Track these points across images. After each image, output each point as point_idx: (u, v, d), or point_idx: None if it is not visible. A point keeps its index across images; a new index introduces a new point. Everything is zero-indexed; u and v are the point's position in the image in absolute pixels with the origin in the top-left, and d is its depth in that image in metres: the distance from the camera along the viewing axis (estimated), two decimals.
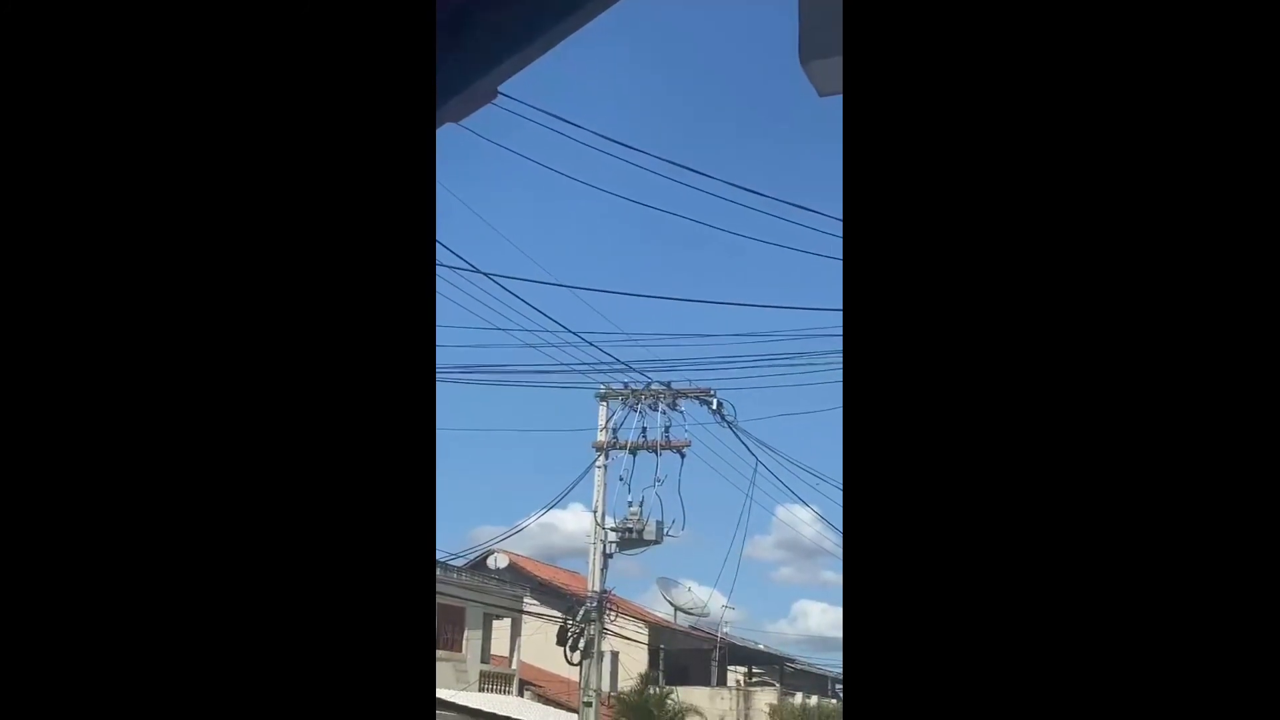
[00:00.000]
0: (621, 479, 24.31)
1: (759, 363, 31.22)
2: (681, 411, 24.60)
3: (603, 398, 25.41)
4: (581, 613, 25.23)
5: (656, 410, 24.47)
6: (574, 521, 29.73)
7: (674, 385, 24.55)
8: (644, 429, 24.37)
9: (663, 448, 24.02)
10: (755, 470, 25.56)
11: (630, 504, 24.40)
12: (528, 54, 1.98)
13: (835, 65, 1.72)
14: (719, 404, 24.29)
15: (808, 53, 1.78)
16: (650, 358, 24.63)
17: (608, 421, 25.28)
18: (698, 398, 24.51)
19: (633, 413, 24.66)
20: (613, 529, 24.67)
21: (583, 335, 23.51)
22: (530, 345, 22.58)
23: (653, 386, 24.55)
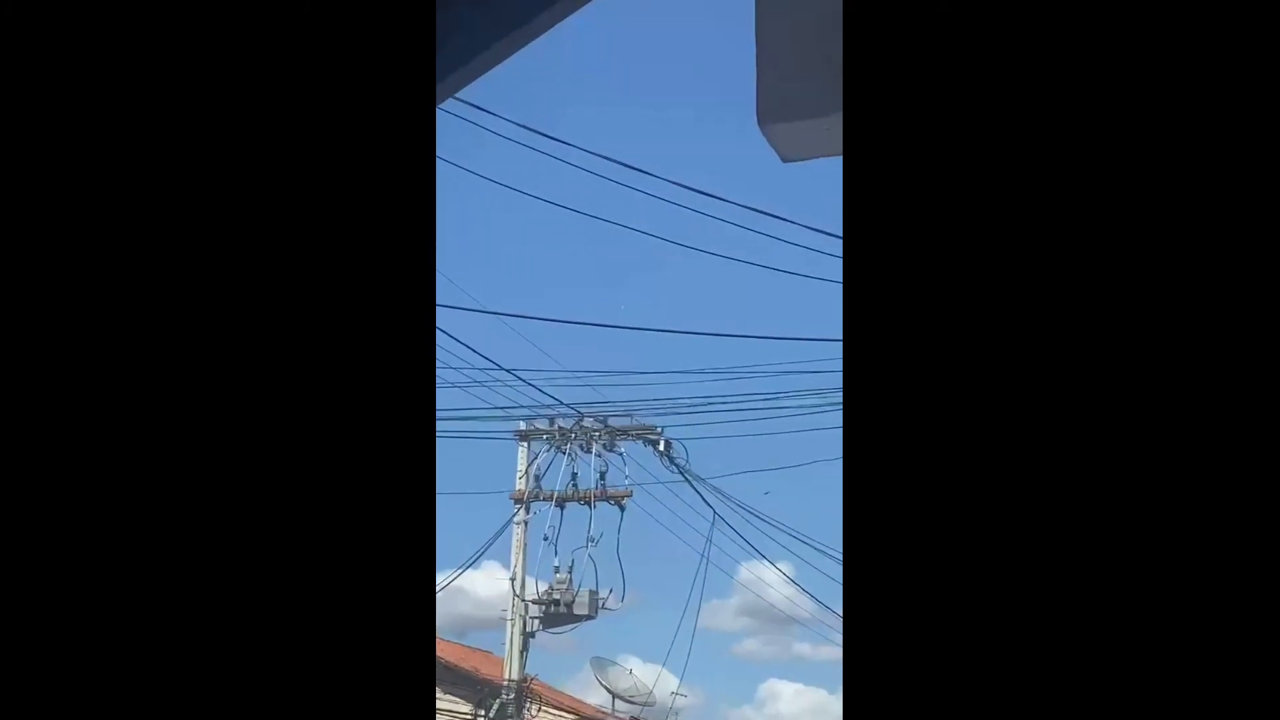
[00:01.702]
0: (546, 538, 21.19)
1: (719, 405, 25.93)
2: (621, 454, 21.32)
3: (523, 437, 21.92)
4: (496, 706, 22.05)
5: (590, 453, 21.05)
6: (488, 585, 25.73)
7: (611, 422, 21.35)
8: (574, 475, 21.03)
9: (598, 499, 20.84)
10: (713, 524, 21.00)
11: (557, 569, 21.17)
12: (515, 38, 2.02)
13: (799, 130, 1.82)
14: (667, 445, 20.66)
15: (767, 114, 1.83)
16: (598, 399, 21.65)
17: (529, 466, 21.83)
18: (641, 437, 21.26)
19: (560, 455, 21.14)
20: (535, 601, 21.32)
21: (516, 372, 19.87)
22: (453, 385, 17.61)
23: (585, 423, 21.01)
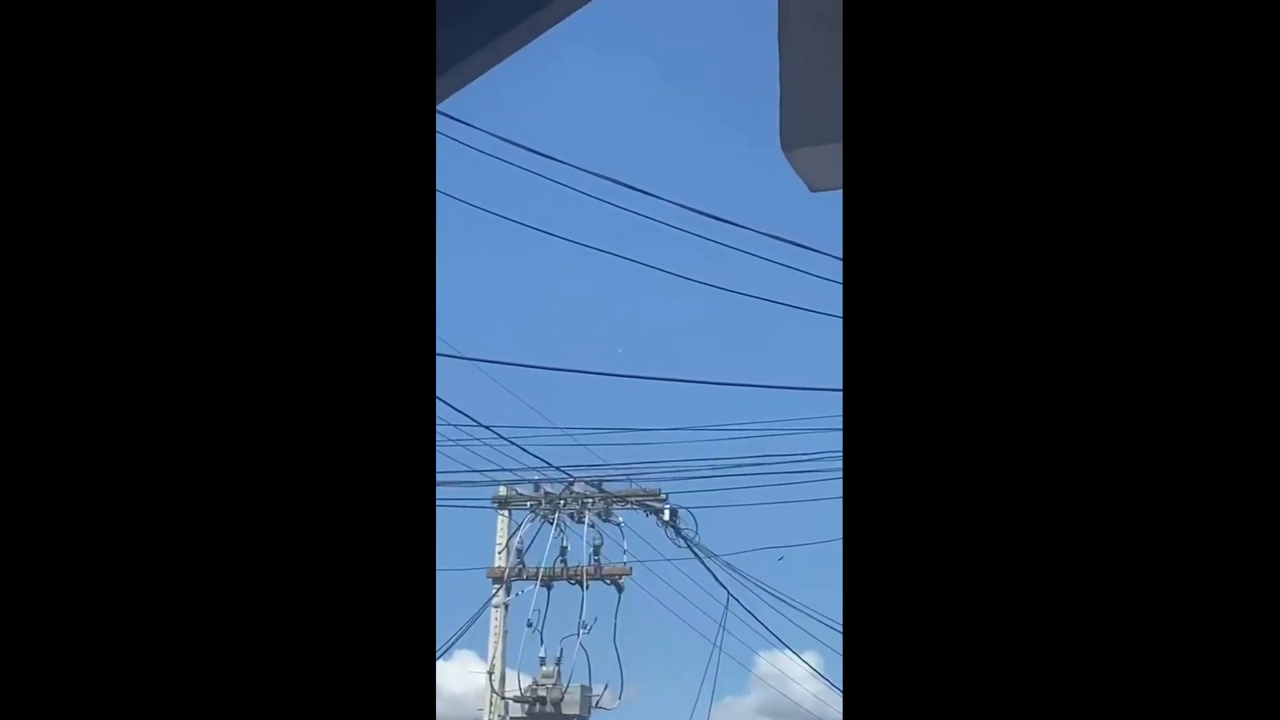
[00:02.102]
0: (530, 624, 19.90)
1: (733, 468, 23.64)
2: (619, 524, 19.82)
3: (502, 504, 20.33)
4: None
5: (582, 523, 19.83)
6: (461, 679, 23.12)
7: (607, 487, 19.85)
8: (563, 549, 19.74)
9: (591, 577, 19.62)
10: (726, 607, 19.31)
11: (543, 661, 19.93)
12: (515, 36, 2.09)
13: (826, 154, 1.82)
14: (673, 514, 19.29)
15: (791, 139, 1.84)
16: (592, 459, 20.26)
17: (510, 539, 20.13)
18: (643, 505, 19.63)
19: (546, 526, 19.89)
20: (517, 699, 20.09)
21: (494, 428, 18.21)
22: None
23: (576, 488, 19.78)
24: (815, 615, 26.69)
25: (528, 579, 20.10)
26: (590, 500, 19.79)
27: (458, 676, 22.78)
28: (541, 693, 19.81)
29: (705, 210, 15.26)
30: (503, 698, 20.18)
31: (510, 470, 19.09)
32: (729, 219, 16.28)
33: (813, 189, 1.82)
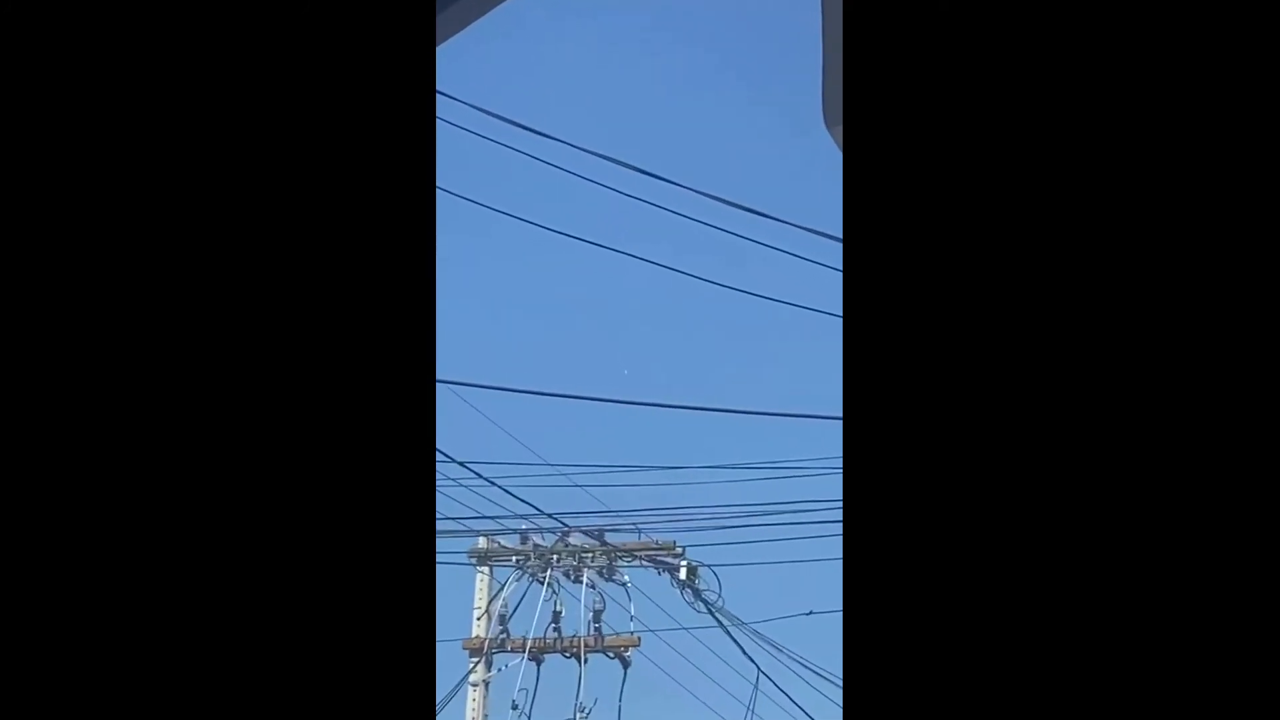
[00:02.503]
0: (515, 706, 17.87)
1: (763, 513, 21.12)
2: (625, 584, 17.81)
3: (481, 559, 18.13)
4: None
5: (580, 582, 17.71)
6: None
7: (611, 538, 17.86)
8: (556, 614, 17.65)
9: (591, 649, 17.78)
10: (756, 686, 17.07)
11: None
12: None
13: None
14: (691, 572, 17.24)
15: (835, 115, 1.84)
16: (591, 505, 18.08)
17: (490, 602, 17.89)
18: (654, 560, 17.76)
19: (536, 585, 17.79)
20: None
21: (472, 466, 16.13)
22: None
23: (571, 539, 17.66)
24: None
25: (513, 651, 18.26)
26: (590, 555, 17.80)
27: None
28: None
29: (731, 199, 12.61)
30: None
31: (491, 518, 17.12)
32: (760, 209, 13.47)
33: None
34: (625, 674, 17.83)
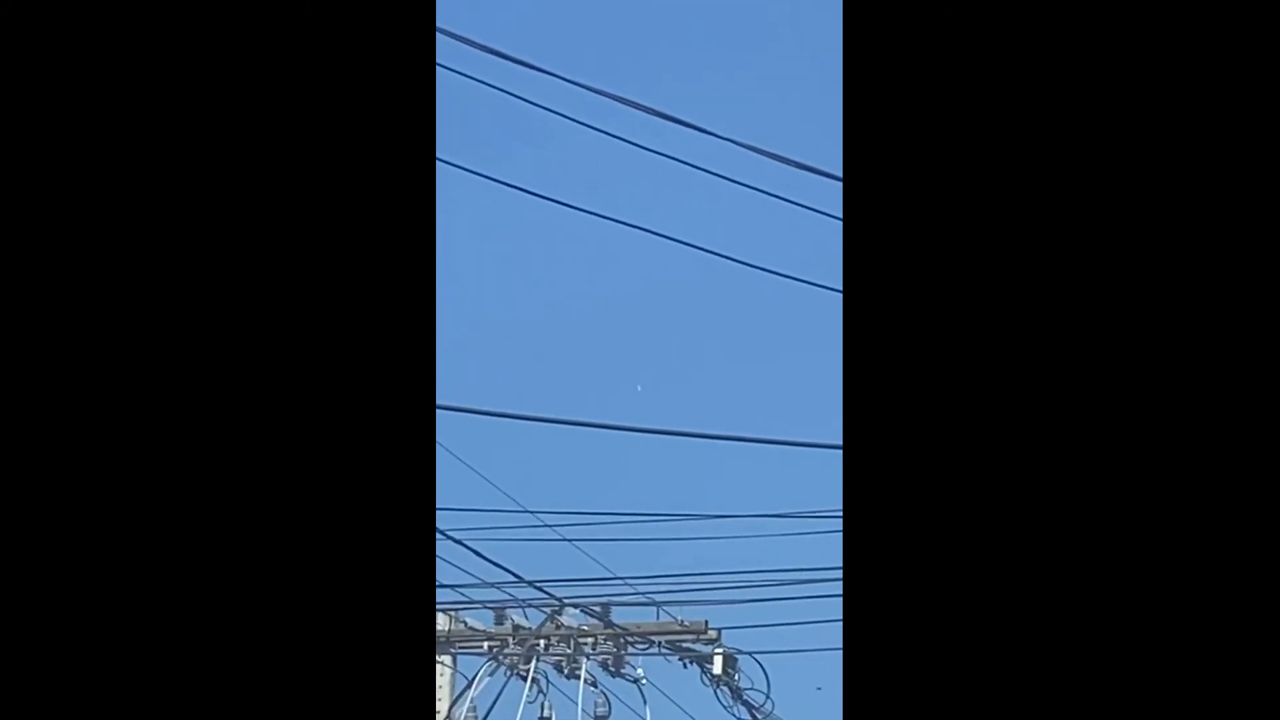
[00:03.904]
0: None
1: (813, 576, 16.98)
2: (638, 680, 13.93)
3: (443, 644, 14.35)
4: None
5: (576, 677, 13.99)
6: None
7: (618, 617, 14.14)
8: (544, 719, 14.05)
9: None
10: None
11: None
12: None
13: None
14: (729, 663, 13.61)
15: None
16: (592, 571, 13.45)
17: (454, 703, 14.08)
18: (678, 647, 14.00)
19: (518, 681, 14.01)
20: None
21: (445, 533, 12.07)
22: None
23: (564, 618, 14.01)
24: None
25: None
26: (590, 640, 14.06)
27: None
28: None
29: (774, 151, 8.60)
30: None
31: (457, 588, 13.26)
32: (808, 164, 9.54)
33: None
34: None
